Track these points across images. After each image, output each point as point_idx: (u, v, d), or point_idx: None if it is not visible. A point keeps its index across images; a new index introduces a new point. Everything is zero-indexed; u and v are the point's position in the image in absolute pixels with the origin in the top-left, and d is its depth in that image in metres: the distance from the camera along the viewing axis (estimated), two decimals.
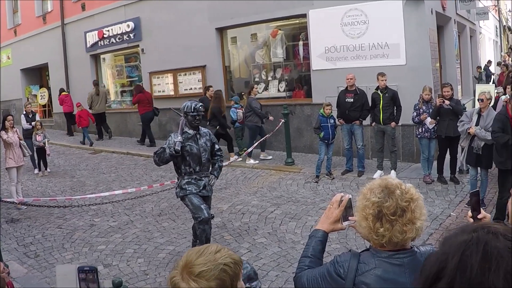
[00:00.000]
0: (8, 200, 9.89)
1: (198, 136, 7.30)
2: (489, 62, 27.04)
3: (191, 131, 7.26)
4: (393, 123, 11.62)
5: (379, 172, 11.83)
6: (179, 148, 6.98)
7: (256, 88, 15.10)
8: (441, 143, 11.13)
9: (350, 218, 2.78)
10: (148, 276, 7.68)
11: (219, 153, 7.66)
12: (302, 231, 9.01)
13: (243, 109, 14.73)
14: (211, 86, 15.56)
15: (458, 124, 10.06)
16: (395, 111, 11.77)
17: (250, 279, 6.70)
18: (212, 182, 7.55)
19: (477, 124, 9.55)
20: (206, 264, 1.95)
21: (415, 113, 11.13)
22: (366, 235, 2.57)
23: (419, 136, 11.24)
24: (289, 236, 8.84)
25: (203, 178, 7.27)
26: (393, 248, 2.53)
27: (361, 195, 2.63)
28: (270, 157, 14.73)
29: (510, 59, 29.49)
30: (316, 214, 9.74)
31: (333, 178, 12.09)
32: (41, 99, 26.34)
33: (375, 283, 2.50)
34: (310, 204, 10.49)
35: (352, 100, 12.16)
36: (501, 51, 36.72)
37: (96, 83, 21.26)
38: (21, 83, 27.75)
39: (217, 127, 13.67)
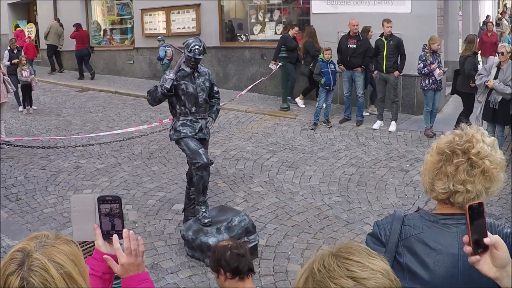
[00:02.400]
0: None
1: (196, 74, 6.71)
2: (487, 17, 26.34)
3: (188, 69, 6.67)
4: (396, 72, 11.09)
5: (378, 122, 11.36)
6: (169, 86, 6.40)
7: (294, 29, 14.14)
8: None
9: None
10: (136, 225, 7.22)
11: (217, 95, 7.07)
12: (300, 181, 8.54)
13: (172, 47, 15.15)
14: (295, 25, 14.61)
15: (476, 77, 9.65)
16: (399, 59, 11.24)
17: (248, 232, 6.32)
18: (210, 125, 7.00)
19: (495, 78, 9.14)
20: None
21: (422, 64, 10.52)
22: (427, 188, 2.24)
23: (425, 88, 10.63)
24: (287, 186, 8.37)
25: (199, 120, 6.68)
26: (452, 211, 2.15)
27: (430, 153, 2.27)
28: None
29: (504, 17, 28.76)
30: (314, 164, 9.29)
31: (331, 127, 11.58)
32: (29, 34, 25.52)
33: (420, 250, 2.13)
34: (308, 152, 10.00)
35: (354, 46, 11.60)
36: (498, 7, 36.00)
37: (57, 19, 21.97)
38: (8, 18, 26.74)
39: (310, 65, 12.87)
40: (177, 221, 7.16)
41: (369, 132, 11.12)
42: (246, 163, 9.56)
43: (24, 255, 1.60)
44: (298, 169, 9.08)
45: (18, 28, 23.99)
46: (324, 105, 11.69)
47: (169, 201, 7.99)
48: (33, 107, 15.07)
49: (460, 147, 2.09)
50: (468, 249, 1.70)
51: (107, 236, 2.09)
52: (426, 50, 10.57)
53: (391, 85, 11.19)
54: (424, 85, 10.62)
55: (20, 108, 15.10)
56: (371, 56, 11.53)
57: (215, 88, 6.98)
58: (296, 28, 13.99)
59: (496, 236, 1.71)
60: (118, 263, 2.06)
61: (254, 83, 13.43)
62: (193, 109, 6.60)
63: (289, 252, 6.27)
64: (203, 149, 6.51)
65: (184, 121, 6.62)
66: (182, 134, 6.56)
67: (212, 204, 7.42)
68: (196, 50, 6.57)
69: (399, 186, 8.18)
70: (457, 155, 2.09)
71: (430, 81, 10.49)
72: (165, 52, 15.98)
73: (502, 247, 1.69)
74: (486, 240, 1.67)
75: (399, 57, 11.22)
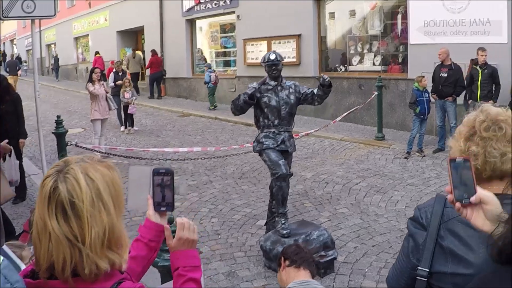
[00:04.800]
0: (83, 145, 9.76)
1: (279, 88, 6.83)
2: None
3: (272, 82, 6.82)
4: (490, 101, 10.77)
5: None
6: (250, 93, 6.56)
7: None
8: None
9: None
10: (219, 236, 7.38)
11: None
12: (386, 205, 8.44)
13: (216, 73, 19.10)
14: None
15: None
16: (493, 89, 10.96)
17: (326, 247, 6.31)
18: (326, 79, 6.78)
19: None
20: None
21: None
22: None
23: None
24: (373, 208, 8.30)
25: (281, 133, 6.78)
26: (498, 191, 1.97)
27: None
28: None
29: None
30: (403, 189, 9.16)
31: (424, 156, 11.36)
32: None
33: (463, 232, 2.01)
34: (398, 179, 9.87)
35: (446, 75, 11.45)
36: None
37: (134, 49, 25.55)
38: (117, 45, 28.16)
39: None
40: (259, 235, 7.24)
41: None
42: (334, 187, 9.56)
43: (65, 164, 1.75)
44: (386, 194, 8.99)
45: (98, 55, 27.61)
46: (418, 135, 11.50)
47: (254, 217, 8.10)
48: (134, 127, 15.71)
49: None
50: (450, 197, 1.74)
51: (158, 208, 2.17)
52: None
53: None
54: None
55: (122, 128, 15.81)
56: (463, 86, 11.31)
57: (307, 90, 6.95)
58: None
59: (485, 192, 1.71)
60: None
61: (350, 111, 13.42)
62: (276, 122, 6.72)
63: (366, 270, 6.20)
64: (283, 160, 6.59)
65: (267, 133, 6.74)
66: (265, 145, 6.68)
67: (296, 221, 7.46)
68: (271, 56, 6.75)
69: None
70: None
71: None
72: (210, 77, 18.90)
73: (491, 201, 1.69)
74: (472, 198, 1.70)
75: (493, 87, 10.93)
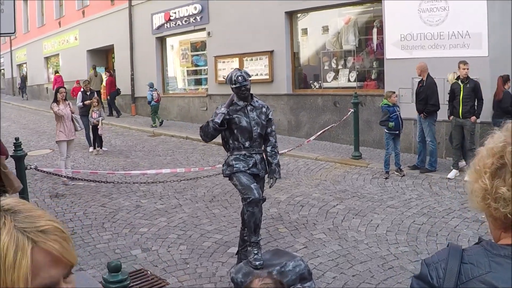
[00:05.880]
0: (44, 169, 9.22)
1: (249, 108, 6.38)
2: None
3: (241, 103, 6.37)
4: (473, 117, 10.45)
5: (454, 171, 10.67)
6: (219, 121, 6.12)
7: None
8: None
9: None
10: (188, 266, 6.84)
11: (272, 139, 6.62)
12: (366, 229, 7.97)
13: (157, 91, 19.87)
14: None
15: None
16: (475, 104, 10.61)
17: (303, 279, 5.78)
18: (272, 183, 6.60)
19: None
20: None
21: None
22: (481, 204, 1.57)
23: None
24: (352, 233, 7.82)
25: (253, 155, 6.32)
26: None
27: (477, 154, 1.63)
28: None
29: None
30: (382, 212, 8.71)
31: (403, 175, 10.97)
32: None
33: None
34: (377, 201, 9.43)
35: (419, 90, 11.28)
36: None
37: (94, 67, 25.26)
38: (87, 64, 27.69)
39: None
40: (230, 264, 6.74)
41: (443, 181, 10.45)
42: (311, 210, 9.09)
43: None
44: (365, 217, 8.52)
45: (57, 74, 29.08)
46: (394, 153, 11.12)
47: (226, 243, 7.59)
48: (103, 148, 15.23)
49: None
50: None
51: None
52: None
53: (468, 131, 10.55)
54: None
55: (91, 149, 15.32)
56: (433, 104, 11.02)
57: (273, 127, 6.60)
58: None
59: None
60: None
61: (325, 129, 13.02)
62: (247, 144, 6.26)
63: None
64: (255, 184, 6.12)
65: (238, 156, 6.29)
66: (235, 168, 6.22)
67: (270, 248, 6.98)
68: (239, 77, 6.30)
69: (473, 237, 7.47)
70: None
71: None
72: (151, 95, 19.46)
73: None
74: None
75: (475, 102, 10.59)
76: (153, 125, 19.76)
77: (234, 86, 6.32)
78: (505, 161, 1.50)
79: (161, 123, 19.94)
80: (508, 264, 1.48)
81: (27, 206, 1.27)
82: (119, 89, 24.16)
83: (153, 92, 19.54)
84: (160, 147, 16.00)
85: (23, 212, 1.23)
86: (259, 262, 5.76)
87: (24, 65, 39.73)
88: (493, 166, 1.53)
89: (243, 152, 6.29)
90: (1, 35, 8.79)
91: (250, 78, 6.44)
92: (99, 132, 14.94)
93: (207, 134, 6.36)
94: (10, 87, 41.83)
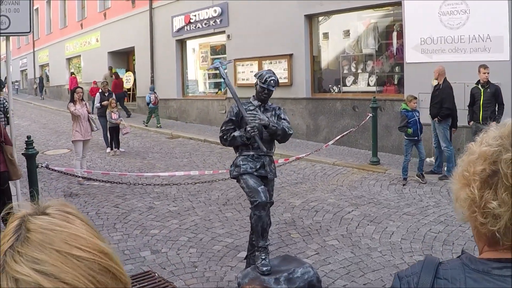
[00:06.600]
0: (55, 168, 9.16)
1: (261, 108, 6.26)
2: None
3: (255, 102, 6.25)
4: (494, 123, 10.17)
5: None
6: (250, 136, 6.03)
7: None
8: None
9: None
10: (196, 269, 6.73)
11: (286, 122, 6.39)
12: (380, 237, 7.79)
13: (156, 94, 20.28)
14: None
15: None
16: (496, 109, 10.39)
17: (312, 286, 5.64)
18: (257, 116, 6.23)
19: None
20: None
21: None
22: (467, 215, 1.41)
23: None
24: (365, 241, 7.65)
25: (261, 157, 6.19)
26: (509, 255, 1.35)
27: (466, 153, 1.45)
28: None
29: None
30: (398, 219, 8.52)
31: (425, 182, 10.72)
32: (126, 82, 26.40)
33: None
34: (393, 207, 9.24)
35: (434, 94, 11.14)
36: None
37: (111, 68, 26.47)
38: (108, 66, 27.76)
39: None
40: (239, 269, 6.61)
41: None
42: (325, 215, 8.93)
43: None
44: (380, 224, 8.34)
45: (73, 75, 30.06)
46: (418, 159, 10.91)
47: (236, 247, 7.47)
48: (120, 149, 15.22)
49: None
50: None
51: None
52: None
53: None
54: None
55: (108, 150, 15.33)
56: (448, 107, 10.82)
57: (285, 120, 6.42)
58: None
59: None
60: None
61: (343, 134, 12.84)
62: (256, 145, 6.13)
63: None
64: (263, 187, 5.97)
65: (246, 156, 6.18)
66: (242, 169, 6.10)
67: (281, 254, 6.85)
68: (272, 81, 6.17)
69: None
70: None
71: None
72: (149, 98, 19.99)
73: None
74: None
75: (496, 106, 10.37)
76: (146, 123, 20.81)
77: (262, 84, 6.19)
78: (498, 168, 1.33)
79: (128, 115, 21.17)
80: (485, 280, 1.34)
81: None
82: (126, 91, 25.42)
83: (151, 95, 20.06)
84: (177, 149, 15.97)
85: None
86: (266, 268, 5.63)
87: (47, 66, 40.01)
88: (483, 173, 1.35)
89: (251, 153, 6.17)
90: (16, 34, 8.83)
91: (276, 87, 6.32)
92: (126, 131, 15.04)
93: (231, 144, 6.37)
94: (33, 87, 42.21)
